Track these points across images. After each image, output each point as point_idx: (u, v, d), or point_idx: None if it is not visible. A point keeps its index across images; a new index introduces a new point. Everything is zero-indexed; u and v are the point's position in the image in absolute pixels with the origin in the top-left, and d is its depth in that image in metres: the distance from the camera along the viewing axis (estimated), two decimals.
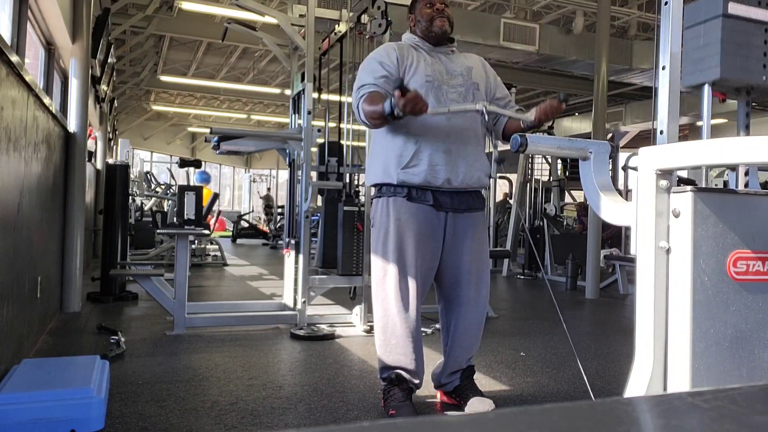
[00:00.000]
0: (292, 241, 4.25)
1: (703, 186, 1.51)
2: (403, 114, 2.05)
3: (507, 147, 2.38)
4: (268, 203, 16.00)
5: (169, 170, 12.39)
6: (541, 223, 7.85)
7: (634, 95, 12.45)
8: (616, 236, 7.46)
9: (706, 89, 1.73)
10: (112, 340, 3.35)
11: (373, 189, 2.46)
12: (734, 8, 1.68)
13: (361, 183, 5.15)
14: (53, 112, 3.56)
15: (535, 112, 2.24)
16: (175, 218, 5.65)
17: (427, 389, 2.58)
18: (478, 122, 2.39)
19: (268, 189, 18.35)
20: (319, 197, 4.97)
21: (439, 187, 2.31)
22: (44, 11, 4.19)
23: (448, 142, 2.30)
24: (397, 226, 2.31)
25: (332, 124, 4.91)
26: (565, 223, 9.48)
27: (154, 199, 10.10)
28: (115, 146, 11.71)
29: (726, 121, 11.06)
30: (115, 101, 12.93)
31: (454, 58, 2.46)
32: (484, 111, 2.18)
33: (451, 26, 2.45)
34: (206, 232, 4.94)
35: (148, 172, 10.66)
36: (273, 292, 5.66)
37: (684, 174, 1.40)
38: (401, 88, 1.98)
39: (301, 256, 4.14)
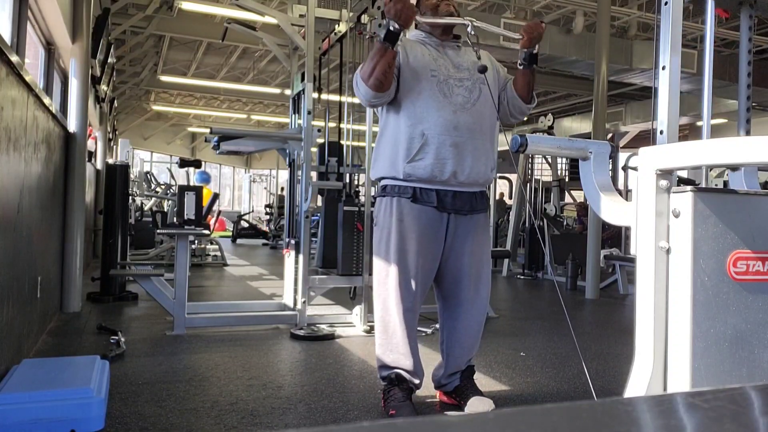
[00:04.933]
0: (292, 241, 4.25)
1: (703, 186, 1.51)
2: (397, 23, 2.11)
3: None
4: (280, 204, 15.50)
5: (169, 170, 12.36)
6: (541, 223, 7.85)
7: (634, 95, 12.44)
8: (616, 236, 7.47)
9: (710, 3, 1.67)
10: (112, 340, 3.35)
11: (377, 187, 2.46)
12: None
13: (361, 183, 5.15)
14: (53, 112, 3.56)
15: (522, 35, 2.36)
16: (175, 218, 5.65)
17: (427, 389, 2.58)
18: (485, 117, 2.37)
19: (282, 189, 17.90)
20: (319, 197, 4.97)
21: (444, 182, 2.30)
22: (44, 11, 4.18)
23: (455, 136, 2.28)
24: (400, 227, 2.31)
25: (332, 124, 4.91)
26: (565, 223, 9.48)
27: (154, 199, 10.09)
28: (115, 146, 11.70)
29: (726, 121, 11.06)
30: (115, 101, 12.92)
31: (461, 53, 2.44)
32: (471, 25, 2.22)
33: (457, 13, 2.45)
34: (206, 232, 4.95)
35: (148, 172, 10.65)
36: (273, 292, 5.66)
37: (684, 174, 1.40)
38: None
39: (301, 256, 4.13)
